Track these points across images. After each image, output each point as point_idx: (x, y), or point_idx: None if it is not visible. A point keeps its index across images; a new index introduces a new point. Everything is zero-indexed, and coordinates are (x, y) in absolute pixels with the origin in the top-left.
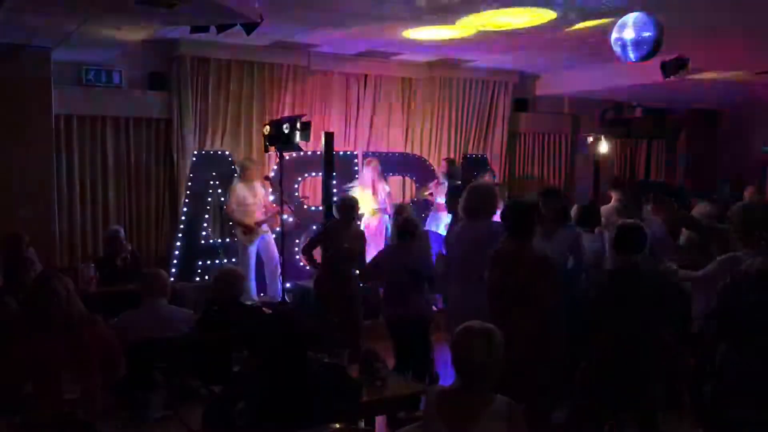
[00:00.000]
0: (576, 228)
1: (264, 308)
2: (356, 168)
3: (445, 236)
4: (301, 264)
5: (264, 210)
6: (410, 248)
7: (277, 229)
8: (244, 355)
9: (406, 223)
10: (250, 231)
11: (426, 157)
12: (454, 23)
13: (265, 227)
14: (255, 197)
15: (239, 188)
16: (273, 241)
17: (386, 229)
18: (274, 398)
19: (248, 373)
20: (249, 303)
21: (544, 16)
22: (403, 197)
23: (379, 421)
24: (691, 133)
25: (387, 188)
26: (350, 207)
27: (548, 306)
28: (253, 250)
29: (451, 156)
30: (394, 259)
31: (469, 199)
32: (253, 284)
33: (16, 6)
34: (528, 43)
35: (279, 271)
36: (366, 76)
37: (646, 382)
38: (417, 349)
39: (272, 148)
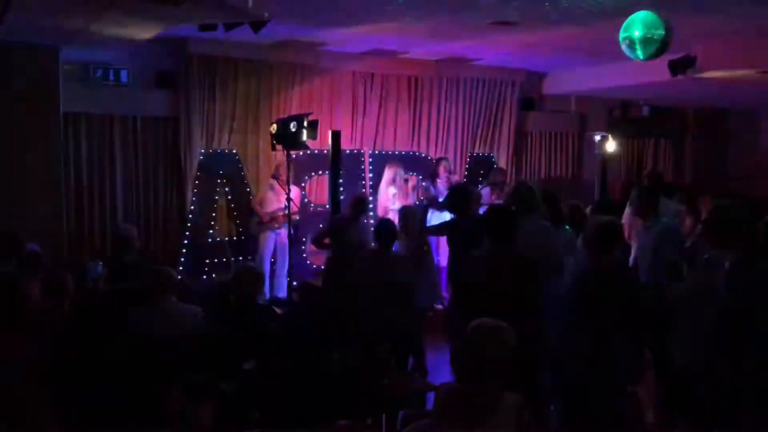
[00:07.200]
0: None
1: (274, 307)
2: (362, 167)
3: None
4: (309, 262)
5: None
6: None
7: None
8: (256, 353)
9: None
10: (263, 222)
11: (433, 156)
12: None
13: (277, 225)
14: (276, 196)
15: (269, 185)
16: (285, 239)
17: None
18: (285, 396)
19: (260, 371)
20: (261, 302)
21: None
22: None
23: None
24: (699, 131)
25: (393, 191)
26: (358, 202)
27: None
28: (269, 246)
29: (458, 155)
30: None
31: None
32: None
33: (23, 5)
34: (535, 42)
35: (286, 268)
36: (373, 74)
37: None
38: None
39: (279, 147)
